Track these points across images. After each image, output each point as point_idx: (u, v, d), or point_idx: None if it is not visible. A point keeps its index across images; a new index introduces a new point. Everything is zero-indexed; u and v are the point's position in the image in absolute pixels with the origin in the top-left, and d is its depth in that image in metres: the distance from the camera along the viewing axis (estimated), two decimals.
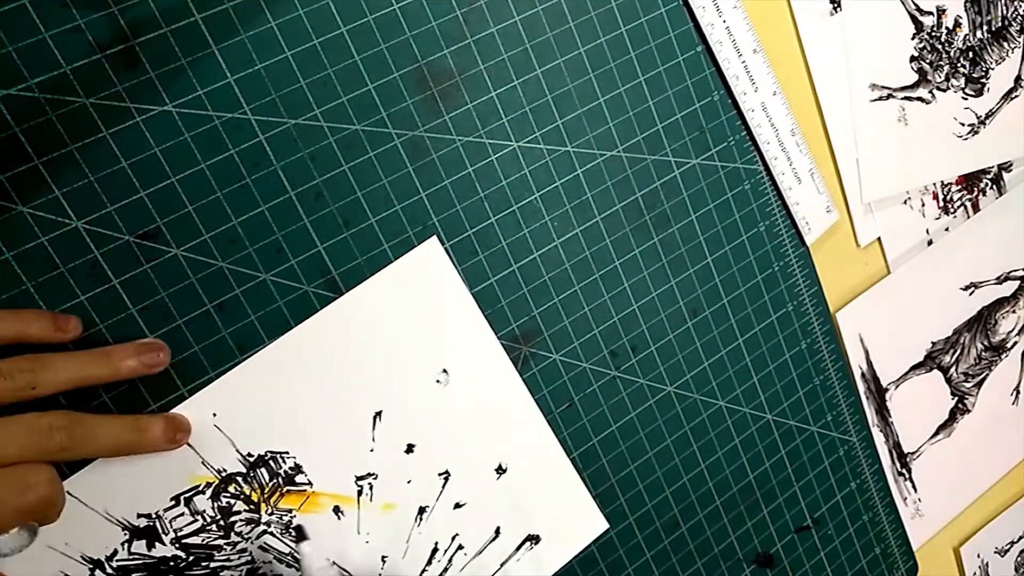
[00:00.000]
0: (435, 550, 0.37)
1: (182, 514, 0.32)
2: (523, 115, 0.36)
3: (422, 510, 0.36)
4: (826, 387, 0.46)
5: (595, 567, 0.41)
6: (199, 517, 0.33)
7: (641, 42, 0.38)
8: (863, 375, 0.47)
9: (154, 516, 0.32)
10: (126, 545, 0.32)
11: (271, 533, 0.34)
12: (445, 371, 0.36)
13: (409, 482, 0.36)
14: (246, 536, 0.33)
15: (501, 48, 0.35)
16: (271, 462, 0.33)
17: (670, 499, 0.42)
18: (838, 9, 0.43)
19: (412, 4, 0.34)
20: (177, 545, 0.32)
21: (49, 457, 0.27)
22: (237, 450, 0.33)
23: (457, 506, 0.37)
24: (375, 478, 0.35)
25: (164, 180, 0.31)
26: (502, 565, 0.38)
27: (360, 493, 0.35)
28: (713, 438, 0.43)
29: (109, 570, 0.32)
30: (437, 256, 0.35)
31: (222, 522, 0.33)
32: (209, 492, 0.33)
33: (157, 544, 0.32)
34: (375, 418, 0.35)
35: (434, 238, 0.35)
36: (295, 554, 0.34)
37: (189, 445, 0.32)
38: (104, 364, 0.29)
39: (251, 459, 0.33)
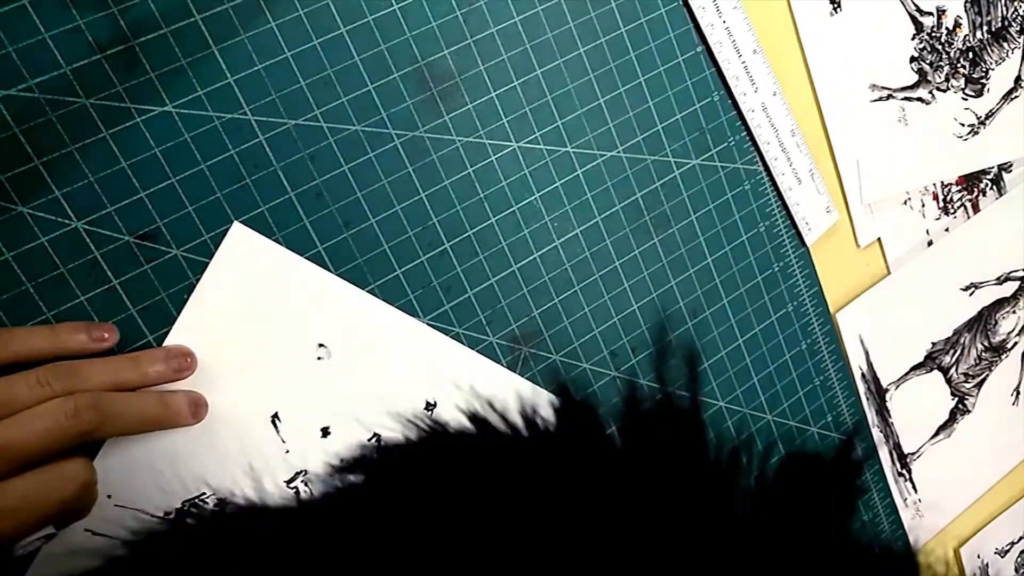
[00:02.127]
0: None
1: None
2: (523, 115, 0.36)
3: None
4: (826, 388, 0.46)
5: None
6: None
7: (641, 43, 0.38)
8: (863, 375, 0.47)
9: None
10: None
11: None
12: (322, 345, 0.34)
13: (342, 461, 0.35)
14: None
15: (501, 48, 0.35)
16: (192, 509, 0.32)
17: None
18: (838, 9, 0.43)
19: (412, 4, 0.34)
20: None
21: (81, 440, 0.27)
22: (151, 516, 0.31)
23: None
24: (305, 474, 0.34)
25: (164, 180, 0.31)
26: None
27: (298, 494, 0.34)
28: (713, 439, 0.43)
29: None
30: (250, 238, 0.33)
31: None
32: None
33: None
34: (274, 421, 0.33)
35: (236, 223, 0.32)
36: None
37: (100, 534, 0.30)
38: (133, 369, 0.30)
39: (171, 516, 0.32)
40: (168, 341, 0.32)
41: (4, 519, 0.26)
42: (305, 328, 0.34)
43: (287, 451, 0.34)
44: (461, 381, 0.36)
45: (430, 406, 0.36)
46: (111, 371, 0.29)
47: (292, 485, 0.34)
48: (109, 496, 0.31)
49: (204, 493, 0.32)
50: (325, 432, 0.34)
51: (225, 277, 0.32)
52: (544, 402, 0.17)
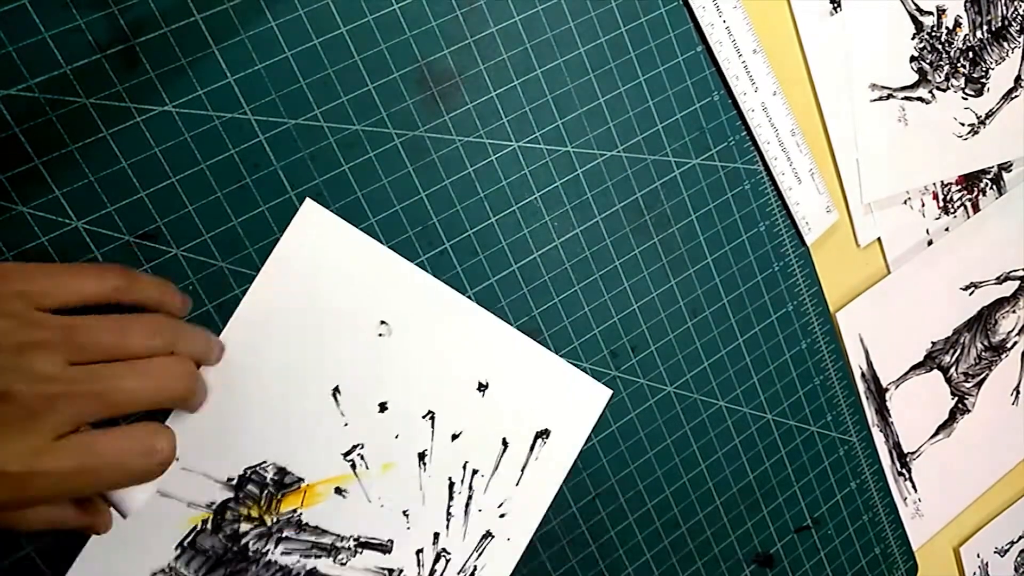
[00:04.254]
0: (451, 484, 0.37)
1: (193, 557, 0.33)
2: (523, 115, 0.36)
3: (422, 455, 0.36)
4: (826, 387, 0.46)
5: (595, 567, 0.41)
6: (211, 552, 0.33)
7: (641, 42, 0.38)
8: (863, 375, 0.47)
9: (168, 569, 0.32)
10: None
11: (287, 538, 0.34)
12: (384, 322, 0.35)
13: (397, 436, 0.35)
14: (263, 551, 0.34)
15: (501, 48, 0.35)
16: (254, 477, 0.33)
17: (670, 499, 0.42)
18: (838, 9, 0.43)
19: (412, 4, 0.34)
20: None
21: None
22: (216, 480, 0.33)
23: (454, 437, 0.36)
24: (362, 447, 0.35)
25: (164, 180, 0.31)
26: (523, 470, 0.38)
27: (354, 466, 0.35)
28: (713, 438, 0.43)
29: None
30: (320, 215, 0.33)
31: (235, 548, 0.33)
32: (209, 527, 0.33)
33: None
34: (334, 394, 0.34)
35: (308, 199, 0.33)
36: (318, 543, 0.34)
37: (167, 495, 0.32)
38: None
39: (234, 482, 0.33)
40: (236, 315, 0.32)
41: (99, 477, 0.25)
42: (369, 305, 0.35)
43: (345, 424, 0.34)
44: (512, 363, 0.37)
45: (482, 387, 0.37)
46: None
47: (349, 457, 0.35)
48: (177, 459, 0.31)
49: (264, 461, 0.33)
50: (382, 407, 0.35)
51: (294, 252, 0.33)
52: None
